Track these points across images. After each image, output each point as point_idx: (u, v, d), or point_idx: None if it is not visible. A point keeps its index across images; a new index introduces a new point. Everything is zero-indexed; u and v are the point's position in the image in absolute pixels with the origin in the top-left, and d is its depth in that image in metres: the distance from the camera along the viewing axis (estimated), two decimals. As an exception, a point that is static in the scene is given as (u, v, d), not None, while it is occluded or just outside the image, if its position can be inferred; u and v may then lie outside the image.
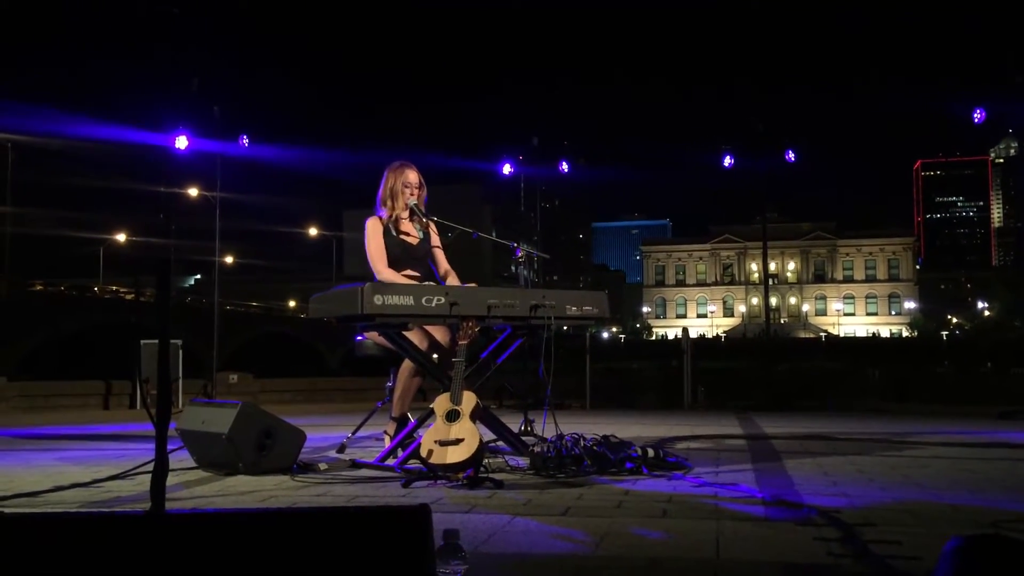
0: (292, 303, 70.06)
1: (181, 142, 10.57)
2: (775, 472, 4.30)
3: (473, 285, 4.70)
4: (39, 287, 41.71)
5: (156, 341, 2.86)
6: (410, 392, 5.04)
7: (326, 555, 1.46)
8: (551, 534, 2.75)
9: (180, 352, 12.71)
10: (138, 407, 12.27)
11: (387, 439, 4.99)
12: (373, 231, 5.17)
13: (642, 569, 2.33)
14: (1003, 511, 3.16)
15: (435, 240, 5.33)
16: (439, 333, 4.87)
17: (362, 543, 1.48)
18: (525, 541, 2.65)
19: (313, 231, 63.30)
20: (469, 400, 4.04)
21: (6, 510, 2.50)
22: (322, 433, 6.81)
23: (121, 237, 56.94)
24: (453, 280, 5.22)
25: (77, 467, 4.72)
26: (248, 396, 12.55)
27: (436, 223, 5.32)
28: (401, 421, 5.00)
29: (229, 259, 62.14)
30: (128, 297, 45.89)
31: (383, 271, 5.05)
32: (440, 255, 5.34)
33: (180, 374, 12.64)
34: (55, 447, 6.14)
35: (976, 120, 11.11)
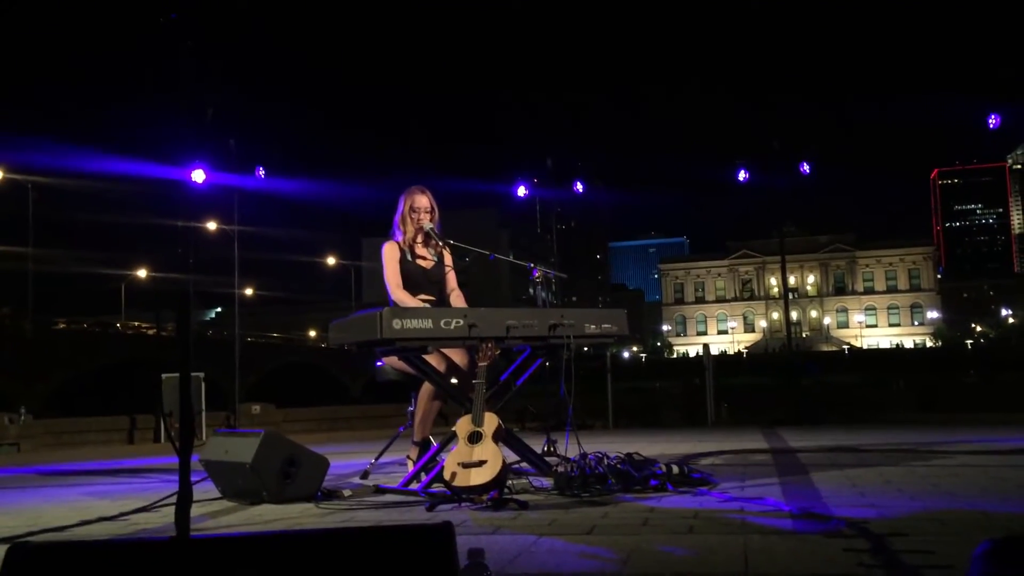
0: (313, 333, 70.34)
1: (198, 176, 10.67)
2: (802, 485, 4.25)
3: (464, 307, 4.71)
4: (62, 325, 42.13)
5: (178, 374, 2.88)
6: (431, 416, 5.04)
7: (354, 574, 1.45)
8: (577, 553, 2.73)
9: (202, 385, 12.78)
10: (162, 440, 12.33)
11: (410, 464, 4.98)
12: (389, 256, 5.20)
13: (670, 585, 2.30)
14: (1036, 517, 3.10)
15: (448, 261, 5.35)
16: (458, 356, 4.87)
17: (387, 562, 1.47)
18: (552, 561, 2.63)
19: (332, 261, 63.71)
20: (491, 421, 4.03)
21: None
22: (345, 460, 6.81)
23: (142, 273, 57.46)
24: (458, 300, 5.24)
25: (103, 501, 4.74)
26: (271, 426, 12.57)
27: (452, 247, 5.34)
28: (423, 445, 4.99)
29: (249, 291, 62.50)
30: (150, 332, 46.23)
31: (397, 292, 5.07)
32: (451, 276, 5.36)
33: (203, 406, 12.70)
34: (81, 482, 6.17)
35: (991, 126, 11.05)
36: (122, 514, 4.03)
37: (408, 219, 5.24)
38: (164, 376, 12.08)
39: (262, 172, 12.06)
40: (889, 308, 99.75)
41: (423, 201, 5.28)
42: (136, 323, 51.04)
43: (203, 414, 12.65)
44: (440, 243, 5.29)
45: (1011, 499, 3.60)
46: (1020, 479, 4.30)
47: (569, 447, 4.87)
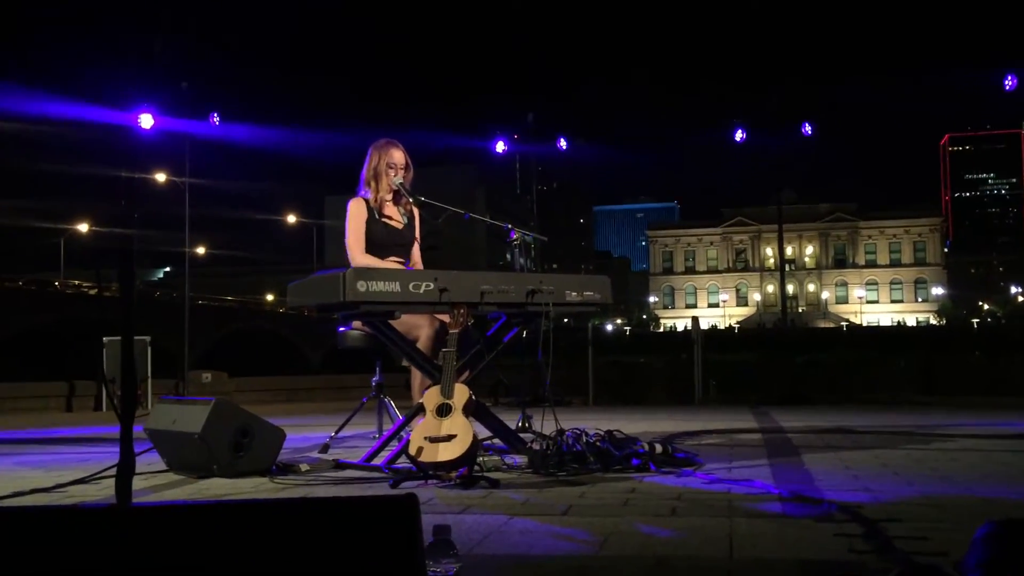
0: (270, 297, 70.12)
1: (146, 121, 10.53)
2: (793, 467, 4.31)
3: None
4: (-5, 282, 41.68)
5: (120, 338, 2.86)
6: (427, 381, 4.99)
7: (307, 548, 1.46)
8: (551, 534, 2.75)
9: (148, 350, 12.72)
10: (104, 409, 12.27)
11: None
12: (355, 213, 5.17)
13: (650, 569, 2.33)
14: (1038, 504, 3.17)
15: (417, 224, 5.34)
16: (428, 321, 4.86)
17: (345, 535, 1.47)
18: (523, 542, 2.66)
19: (292, 219, 63.28)
20: (461, 393, 4.04)
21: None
22: (303, 433, 6.82)
23: (83, 227, 56.79)
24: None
25: (38, 471, 4.72)
26: (223, 396, 12.56)
27: (424, 205, 5.31)
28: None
29: (201, 250, 62.08)
30: (91, 292, 45.82)
31: (359, 257, 5.06)
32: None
33: (149, 373, 12.64)
34: (14, 451, 6.13)
35: (1007, 87, 11.11)
36: (59, 486, 4.02)
37: (382, 175, 5.20)
38: (106, 339, 12.00)
39: (217, 119, 11.92)
40: (892, 283, 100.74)
41: (398, 157, 5.24)
42: (76, 282, 50.56)
43: (149, 381, 12.61)
44: (411, 201, 5.26)
45: (1012, 485, 3.67)
46: (1023, 465, 4.38)
47: (545, 423, 4.89)
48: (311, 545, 1.46)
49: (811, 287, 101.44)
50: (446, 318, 4.72)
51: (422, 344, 4.78)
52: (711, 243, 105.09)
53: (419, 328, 4.81)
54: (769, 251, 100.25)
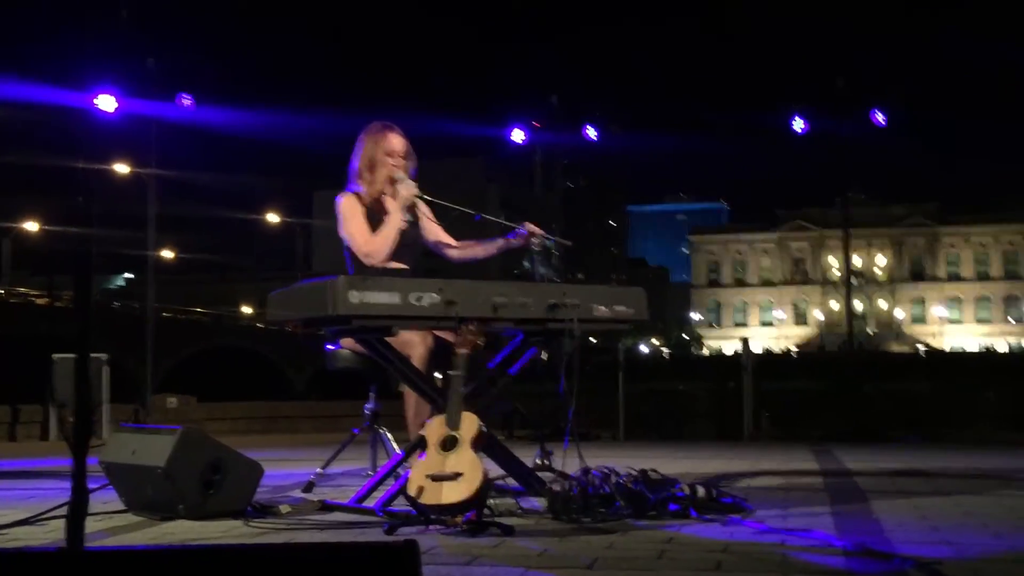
0: (247, 309, 70.44)
1: (106, 103, 10.61)
2: (859, 515, 4.30)
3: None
4: (-74, 290, 42.08)
5: (73, 356, 2.88)
6: (425, 409, 4.99)
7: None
8: (574, 591, 2.75)
9: (105, 370, 12.79)
10: (52, 437, 12.36)
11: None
12: (351, 210, 5.17)
13: (689, 633, 2.34)
14: None
15: (427, 215, 5.31)
16: (420, 338, 4.86)
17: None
18: (540, 599, 2.66)
19: (275, 218, 63.51)
20: (470, 424, 4.04)
21: None
22: (284, 468, 6.85)
23: (32, 226, 57.12)
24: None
25: (-25, 511, 4.75)
26: (191, 424, 12.63)
27: (428, 202, 5.30)
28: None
29: (167, 254, 62.38)
30: (40, 302, 46.17)
31: (372, 247, 5.04)
32: (438, 230, 5.35)
33: (106, 397, 12.72)
34: (-52, 487, 6.18)
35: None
36: (-1, 527, 4.05)
37: (383, 164, 5.19)
38: (56, 357, 12.09)
39: (188, 100, 12.01)
40: (978, 300, 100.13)
41: (397, 144, 5.24)
42: (22, 289, 50.98)
43: (105, 406, 12.68)
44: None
45: (1121, 540, 3.64)
46: None
47: (568, 461, 4.90)
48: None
49: (882, 304, 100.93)
50: (448, 335, 4.72)
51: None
52: (765, 251, 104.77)
53: (410, 346, 4.81)
54: (833, 261, 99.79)
